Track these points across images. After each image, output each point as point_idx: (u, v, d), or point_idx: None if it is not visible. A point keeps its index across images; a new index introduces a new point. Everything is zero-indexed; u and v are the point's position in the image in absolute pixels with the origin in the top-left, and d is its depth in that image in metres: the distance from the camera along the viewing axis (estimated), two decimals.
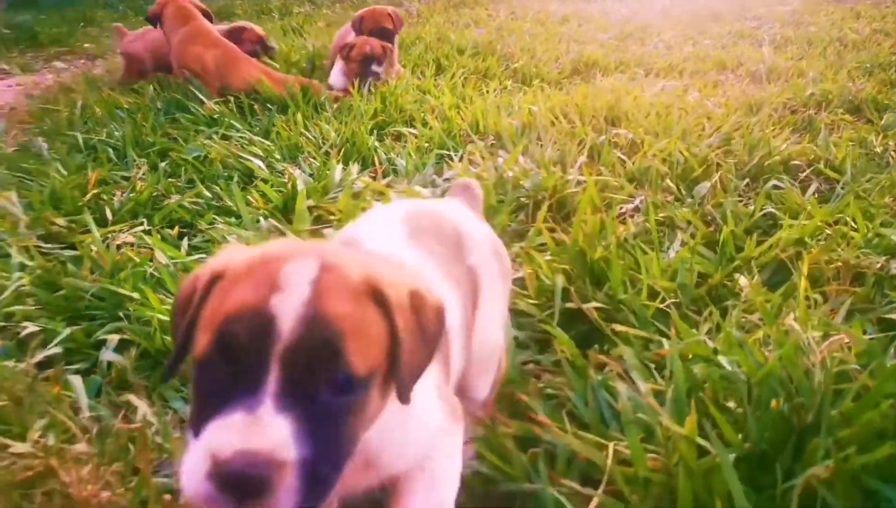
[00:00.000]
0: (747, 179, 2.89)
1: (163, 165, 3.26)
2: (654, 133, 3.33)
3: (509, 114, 3.80)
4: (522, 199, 2.60)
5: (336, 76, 4.67)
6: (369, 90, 4.36)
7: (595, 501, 1.23)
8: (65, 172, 3.04)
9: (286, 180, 2.85)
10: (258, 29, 5.03)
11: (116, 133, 3.63)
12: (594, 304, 1.86)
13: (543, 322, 1.78)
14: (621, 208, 2.54)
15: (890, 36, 6.62)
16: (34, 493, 1.29)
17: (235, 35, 4.85)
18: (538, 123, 3.44)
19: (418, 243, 1.33)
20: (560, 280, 1.85)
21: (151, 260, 2.18)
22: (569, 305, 1.88)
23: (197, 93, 4.13)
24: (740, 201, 2.65)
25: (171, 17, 4.35)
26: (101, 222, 2.61)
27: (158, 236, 2.42)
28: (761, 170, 2.95)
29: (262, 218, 2.56)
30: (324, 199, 2.70)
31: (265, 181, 2.90)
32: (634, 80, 5.14)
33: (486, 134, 3.51)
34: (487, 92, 4.44)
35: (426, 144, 3.43)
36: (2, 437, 1.39)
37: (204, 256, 2.24)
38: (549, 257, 2.07)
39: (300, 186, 2.61)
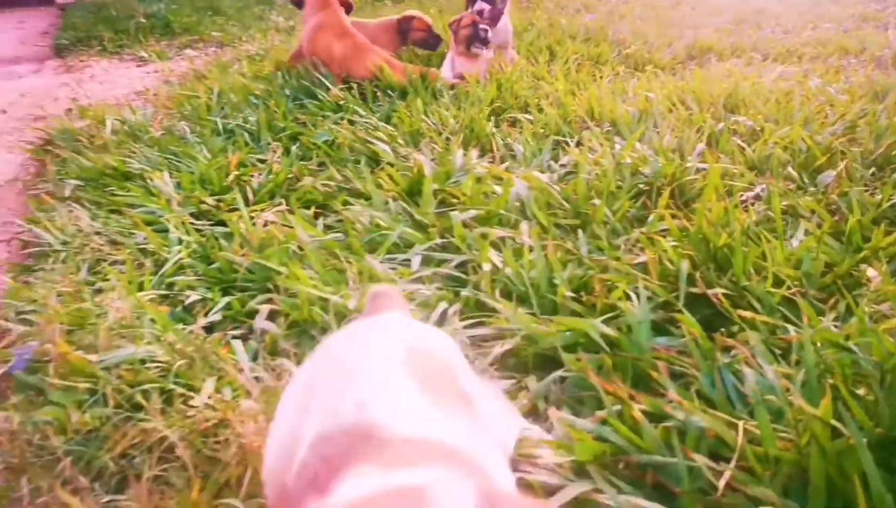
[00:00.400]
0: (873, 169, 2.84)
1: (294, 148, 3.44)
2: (774, 120, 3.30)
3: (624, 100, 3.83)
4: (641, 185, 2.65)
5: (446, 69, 4.80)
6: (486, 77, 4.47)
7: (727, 475, 1.30)
8: (208, 155, 3.26)
9: (411, 165, 2.98)
10: (427, 18, 5.12)
11: (251, 118, 3.84)
12: (719, 290, 1.90)
13: (669, 305, 1.84)
14: (742, 196, 2.55)
15: None
16: (212, 441, 1.46)
17: (405, 24, 4.96)
18: (655, 110, 3.46)
19: (431, 396, 0.96)
20: (685, 266, 1.91)
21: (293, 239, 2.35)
22: (692, 289, 1.93)
23: (324, 80, 4.31)
24: (866, 191, 2.62)
25: (312, 2, 4.53)
26: (244, 202, 2.81)
27: (299, 216, 2.58)
28: (888, 159, 2.89)
29: (390, 200, 2.69)
30: (447, 183, 2.82)
31: (391, 165, 3.05)
32: (751, 65, 5.06)
33: (601, 120, 3.55)
34: (601, 78, 4.46)
35: (542, 130, 3.51)
36: (184, 391, 1.56)
37: (340, 235, 2.39)
38: (672, 243, 2.12)
39: (427, 172, 2.73)
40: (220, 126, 3.77)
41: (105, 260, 2.43)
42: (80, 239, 2.56)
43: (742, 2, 8.40)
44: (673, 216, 2.35)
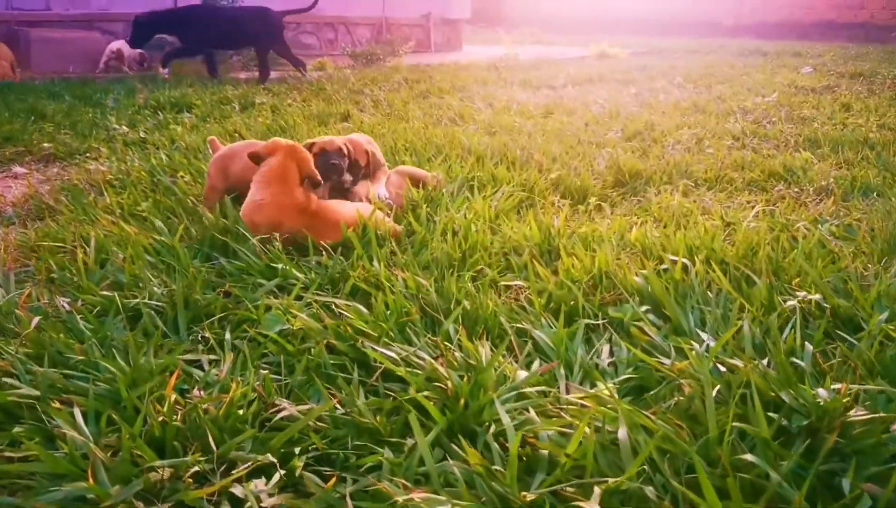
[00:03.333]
0: None
1: (230, 338, 2.54)
2: (840, 291, 2.77)
3: (618, 253, 3.24)
4: (790, 425, 1.96)
5: (384, 188, 4.11)
6: (430, 218, 3.76)
7: None
8: (124, 366, 2.28)
9: (431, 378, 2.17)
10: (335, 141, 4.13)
11: (156, 289, 2.87)
12: None
13: None
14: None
15: None
16: None
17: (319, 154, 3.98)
18: (692, 279, 2.86)
19: None
20: None
21: None
22: None
23: (240, 229, 3.41)
24: None
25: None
26: (209, 458, 1.89)
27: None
28: None
29: (452, 464, 1.86)
30: (490, 413, 2.03)
31: (401, 380, 2.23)
32: (689, 195, 4.68)
33: (621, 290, 2.89)
34: (561, 216, 3.87)
35: (552, 304, 2.82)
36: None
37: None
38: None
39: (505, 419, 1.90)
40: (119, 304, 2.77)
41: None
42: None
43: (612, 111, 8.31)
44: None
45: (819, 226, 3.73)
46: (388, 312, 2.62)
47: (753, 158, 5.57)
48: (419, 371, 2.24)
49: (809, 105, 8.82)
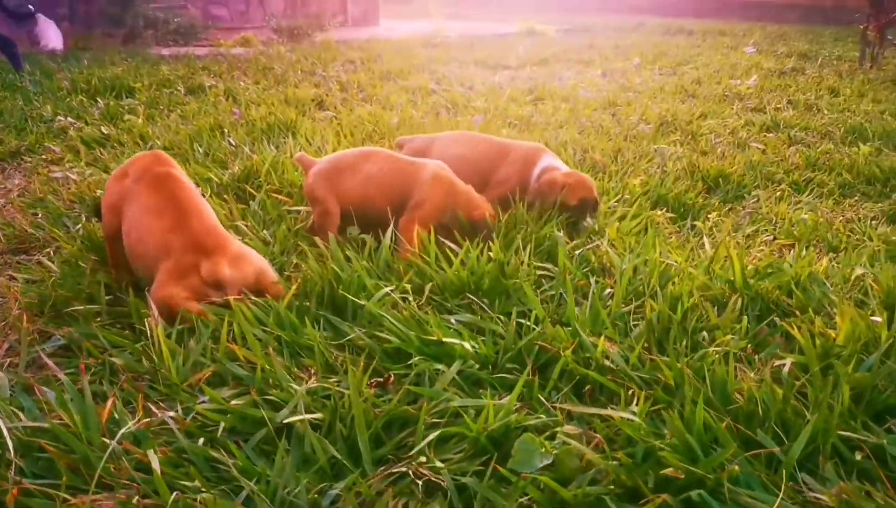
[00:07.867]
0: None
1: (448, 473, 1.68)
2: None
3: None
4: None
5: None
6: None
7: None
8: None
9: None
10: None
11: (295, 388, 1.94)
12: None
13: None
14: None
15: None
16: None
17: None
18: None
19: None
20: None
21: None
22: None
23: (361, 277, 2.49)
24: None
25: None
26: None
27: None
28: None
29: None
30: None
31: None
32: (791, 201, 4.07)
33: None
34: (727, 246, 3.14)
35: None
36: None
37: None
38: None
39: None
40: (266, 420, 1.84)
41: None
42: None
43: (610, 98, 7.65)
44: None
45: None
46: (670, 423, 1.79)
47: (822, 155, 5.02)
48: None
49: (794, 90, 8.41)
